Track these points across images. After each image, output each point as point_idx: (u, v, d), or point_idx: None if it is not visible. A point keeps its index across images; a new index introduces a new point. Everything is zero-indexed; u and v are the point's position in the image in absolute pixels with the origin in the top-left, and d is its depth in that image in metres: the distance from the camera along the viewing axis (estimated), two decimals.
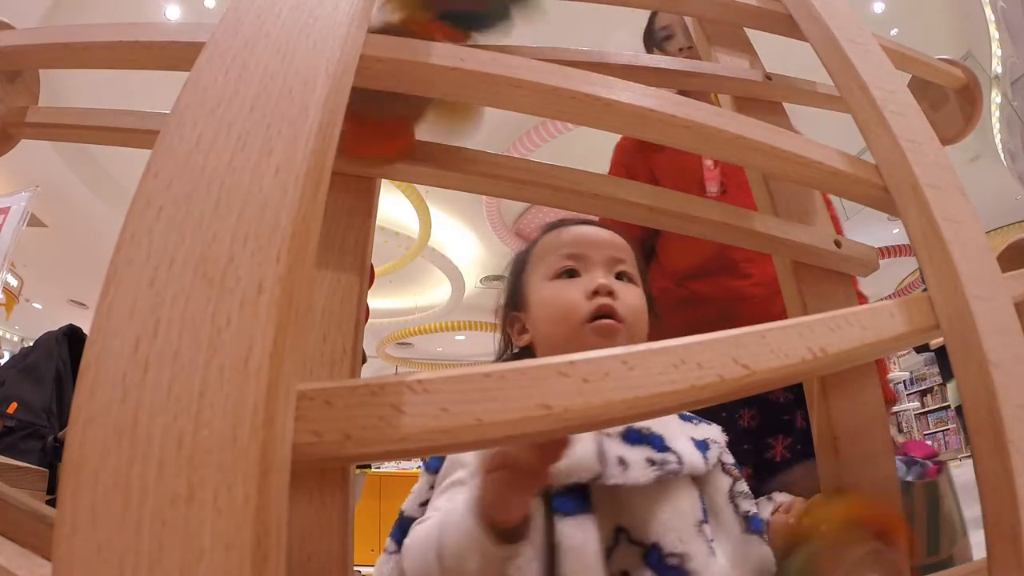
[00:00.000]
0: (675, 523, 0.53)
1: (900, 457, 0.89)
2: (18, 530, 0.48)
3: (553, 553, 0.50)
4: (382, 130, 0.43)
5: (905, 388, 7.40)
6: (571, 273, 0.63)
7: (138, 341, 0.19)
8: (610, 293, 0.61)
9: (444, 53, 0.39)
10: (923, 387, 8.06)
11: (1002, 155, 5.48)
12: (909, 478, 0.83)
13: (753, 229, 0.47)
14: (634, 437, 0.57)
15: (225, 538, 0.17)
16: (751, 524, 0.58)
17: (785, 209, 0.52)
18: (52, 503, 0.68)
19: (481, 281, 7.87)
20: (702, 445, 0.60)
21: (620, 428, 0.58)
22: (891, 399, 1.13)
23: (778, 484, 0.63)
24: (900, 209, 0.44)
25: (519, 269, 0.71)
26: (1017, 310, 0.40)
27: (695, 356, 0.30)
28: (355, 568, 0.36)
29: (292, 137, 0.24)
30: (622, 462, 0.54)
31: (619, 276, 0.64)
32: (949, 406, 7.45)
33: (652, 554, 0.51)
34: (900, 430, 6.36)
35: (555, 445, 0.42)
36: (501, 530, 0.45)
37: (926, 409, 7.85)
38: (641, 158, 1.16)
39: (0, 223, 2.69)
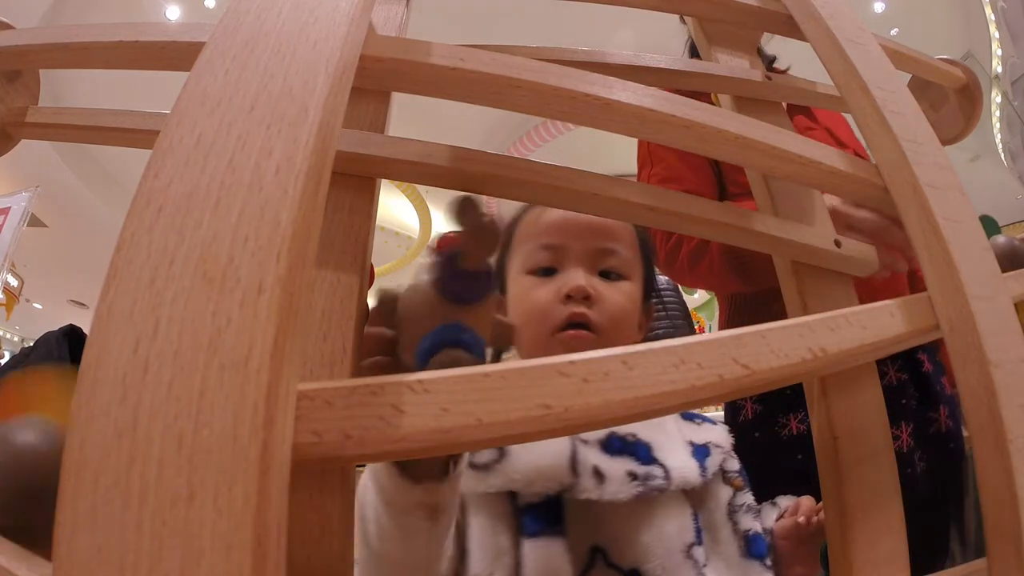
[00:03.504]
0: (658, 548, 0.47)
1: None
2: None
3: None
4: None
5: None
6: (546, 271, 0.57)
7: (138, 341, 0.19)
8: (587, 297, 0.54)
9: (444, 53, 0.39)
10: None
11: (1002, 155, 5.48)
12: None
13: (753, 229, 0.47)
14: (616, 446, 0.50)
15: (225, 538, 0.17)
16: (752, 546, 0.51)
17: (785, 209, 0.52)
18: None
19: None
20: (702, 451, 0.53)
21: (600, 433, 0.50)
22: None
23: None
24: (900, 209, 0.44)
25: (504, 247, 0.63)
26: (1017, 310, 0.40)
27: (695, 356, 0.30)
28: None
29: (292, 137, 0.24)
30: (597, 473, 0.47)
31: (605, 272, 0.57)
32: None
33: None
34: None
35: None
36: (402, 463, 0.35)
37: None
38: None
39: (0, 223, 2.69)
